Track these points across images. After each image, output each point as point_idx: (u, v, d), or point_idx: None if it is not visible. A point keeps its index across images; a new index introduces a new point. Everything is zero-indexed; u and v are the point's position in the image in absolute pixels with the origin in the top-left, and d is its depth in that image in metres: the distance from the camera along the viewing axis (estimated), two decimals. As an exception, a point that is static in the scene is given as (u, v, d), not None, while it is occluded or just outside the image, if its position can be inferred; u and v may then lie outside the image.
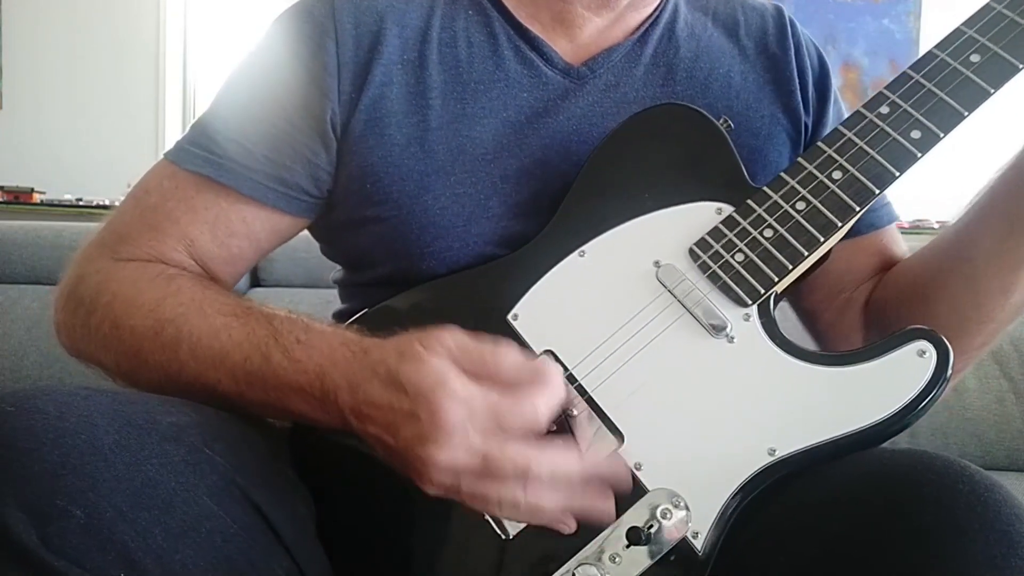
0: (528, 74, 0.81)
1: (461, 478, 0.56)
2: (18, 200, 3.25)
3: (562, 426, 0.64)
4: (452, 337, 0.58)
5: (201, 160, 0.77)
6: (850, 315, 0.83)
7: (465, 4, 0.82)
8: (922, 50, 0.71)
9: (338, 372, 0.61)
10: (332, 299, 0.90)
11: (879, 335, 0.68)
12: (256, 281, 1.90)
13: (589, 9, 0.82)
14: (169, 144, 0.81)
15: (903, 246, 0.87)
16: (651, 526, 0.61)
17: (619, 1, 0.82)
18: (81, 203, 3.24)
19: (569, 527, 0.61)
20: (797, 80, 0.86)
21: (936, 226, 2.93)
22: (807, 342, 0.86)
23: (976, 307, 0.73)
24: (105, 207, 3.11)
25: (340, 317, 0.85)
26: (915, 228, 2.94)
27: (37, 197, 3.28)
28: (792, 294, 0.87)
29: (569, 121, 0.80)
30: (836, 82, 0.90)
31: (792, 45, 0.87)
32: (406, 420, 0.56)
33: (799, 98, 0.85)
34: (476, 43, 0.81)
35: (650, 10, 0.85)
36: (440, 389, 0.55)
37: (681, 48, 0.85)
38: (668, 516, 0.61)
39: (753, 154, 0.76)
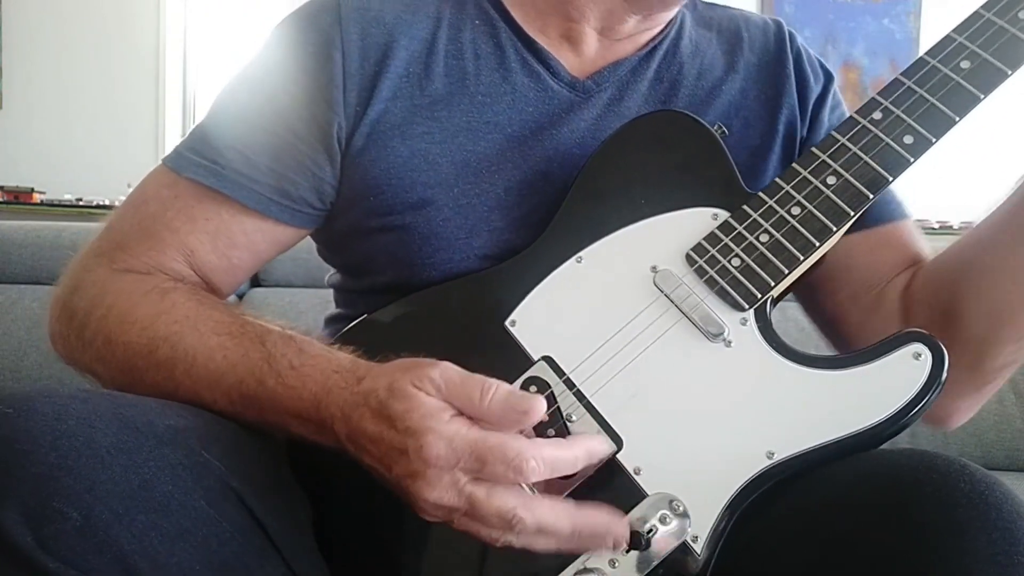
0: (534, 87, 0.80)
1: (452, 514, 0.56)
2: (18, 200, 3.24)
3: (560, 433, 0.64)
4: (441, 374, 0.57)
5: (203, 169, 0.76)
6: (882, 312, 0.81)
7: (472, 14, 0.82)
8: (922, 50, 0.71)
9: (332, 401, 0.61)
10: (332, 299, 0.89)
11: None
12: (256, 281, 1.90)
13: (595, 29, 0.82)
14: (169, 144, 0.80)
15: (924, 243, 0.85)
16: (650, 531, 0.61)
17: (624, 24, 0.81)
18: (81, 203, 3.23)
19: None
20: (796, 96, 0.85)
21: (936, 226, 2.93)
22: (807, 346, 0.86)
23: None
24: (105, 207, 3.11)
25: (334, 322, 0.85)
26: (915, 228, 2.93)
27: (37, 197, 3.27)
28: (808, 300, 0.86)
29: (573, 135, 0.79)
30: (836, 82, 0.89)
31: (792, 60, 0.86)
32: (397, 456, 0.56)
33: (797, 113, 0.85)
34: (483, 54, 0.80)
35: (658, 28, 0.85)
36: (428, 428, 0.55)
37: (685, 65, 0.84)
38: (667, 520, 0.61)
39: (751, 172, 0.76)
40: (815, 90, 0.87)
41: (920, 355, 0.64)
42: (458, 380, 0.57)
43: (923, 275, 0.81)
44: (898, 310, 0.81)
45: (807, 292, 0.85)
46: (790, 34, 0.89)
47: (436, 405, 0.56)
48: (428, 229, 0.76)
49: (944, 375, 0.63)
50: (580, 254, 0.72)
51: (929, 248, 0.85)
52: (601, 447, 0.62)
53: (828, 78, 0.88)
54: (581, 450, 0.59)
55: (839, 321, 0.85)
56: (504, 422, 0.57)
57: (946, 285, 0.77)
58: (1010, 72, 0.68)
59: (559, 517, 0.56)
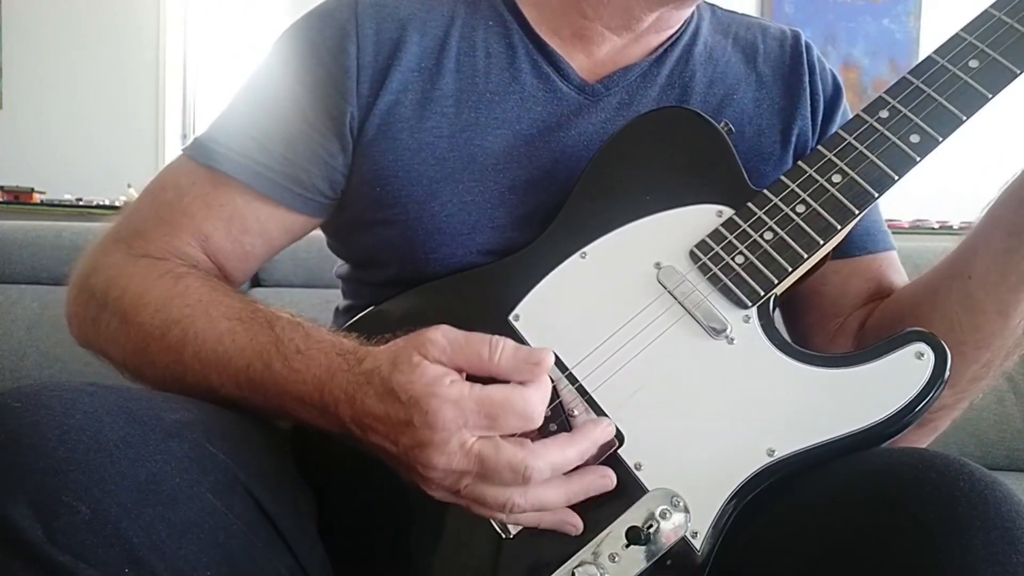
0: (543, 88, 0.81)
1: (461, 481, 0.57)
2: (18, 200, 3.24)
3: (562, 428, 0.64)
4: (444, 335, 0.58)
5: (219, 157, 0.78)
6: (841, 341, 0.82)
7: (486, 14, 0.83)
8: (922, 50, 0.72)
9: (336, 384, 0.61)
10: (332, 299, 0.90)
11: None
12: (256, 281, 1.90)
13: (609, 28, 0.82)
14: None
15: (902, 275, 0.86)
16: (650, 526, 0.61)
17: (640, 23, 0.82)
18: (81, 203, 3.22)
19: (575, 528, 0.61)
20: (809, 106, 0.86)
21: (936, 226, 2.93)
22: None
23: (974, 329, 0.72)
24: (105, 207, 3.10)
25: (343, 314, 0.86)
26: (915, 228, 2.93)
27: (37, 197, 3.26)
28: (786, 315, 0.86)
29: (580, 137, 0.80)
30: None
31: (807, 72, 0.87)
32: (404, 428, 0.57)
33: (809, 125, 0.86)
34: (494, 53, 0.81)
35: (671, 32, 0.85)
36: (432, 393, 0.56)
37: (697, 72, 0.85)
38: (667, 516, 0.61)
39: (762, 179, 0.76)
40: (828, 103, 0.87)
41: (923, 354, 0.64)
42: (462, 339, 0.58)
43: (881, 311, 0.81)
44: (852, 342, 0.82)
45: (782, 309, 0.86)
46: (807, 45, 0.89)
47: (437, 370, 0.57)
48: (432, 223, 0.76)
49: (947, 374, 0.63)
50: (584, 250, 0.73)
51: (903, 282, 0.85)
52: (604, 434, 0.63)
53: (839, 92, 0.88)
54: (586, 429, 0.62)
55: (806, 341, 0.86)
56: (515, 375, 0.58)
57: (904, 311, 0.78)
58: (1019, 72, 0.68)
59: (566, 451, 0.58)
